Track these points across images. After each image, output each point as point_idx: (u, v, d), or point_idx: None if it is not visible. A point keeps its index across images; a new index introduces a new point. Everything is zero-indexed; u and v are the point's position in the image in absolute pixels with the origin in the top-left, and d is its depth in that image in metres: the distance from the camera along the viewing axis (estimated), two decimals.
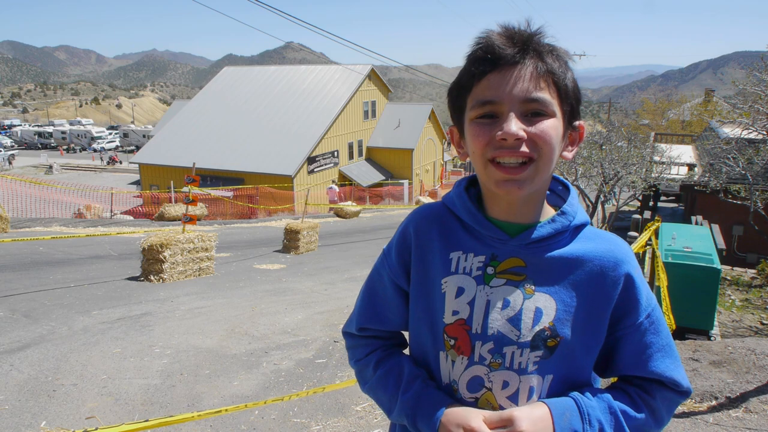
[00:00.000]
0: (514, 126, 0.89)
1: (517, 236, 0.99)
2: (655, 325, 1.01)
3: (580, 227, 1.02)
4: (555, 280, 0.98)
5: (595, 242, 1.01)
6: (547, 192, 1.06)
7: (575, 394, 0.98)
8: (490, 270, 0.99)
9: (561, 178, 1.09)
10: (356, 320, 1.15)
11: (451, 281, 1.01)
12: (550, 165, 0.94)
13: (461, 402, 1.00)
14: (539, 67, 0.91)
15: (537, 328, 0.96)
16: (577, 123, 0.99)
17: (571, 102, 0.95)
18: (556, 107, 0.92)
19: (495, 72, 0.91)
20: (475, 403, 0.99)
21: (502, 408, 0.98)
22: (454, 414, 0.96)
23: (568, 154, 1.00)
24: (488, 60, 0.91)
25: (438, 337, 1.03)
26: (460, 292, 1.00)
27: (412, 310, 1.08)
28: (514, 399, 0.98)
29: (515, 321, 0.96)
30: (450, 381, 1.02)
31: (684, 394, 1.03)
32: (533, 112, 0.91)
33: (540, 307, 0.96)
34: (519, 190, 0.92)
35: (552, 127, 0.91)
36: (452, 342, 1.01)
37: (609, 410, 0.97)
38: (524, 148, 0.90)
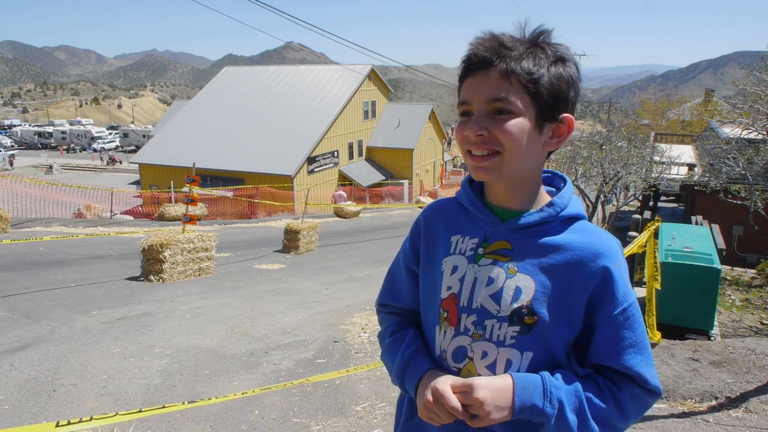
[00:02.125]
0: (474, 126, 1.02)
1: (507, 221, 1.09)
2: (630, 321, 1.06)
3: (573, 219, 1.10)
4: (537, 263, 1.06)
5: (582, 234, 1.08)
6: (552, 189, 1.16)
7: (544, 372, 1.03)
8: (480, 251, 1.10)
9: (564, 176, 1.18)
10: (378, 297, 1.34)
11: (449, 261, 1.13)
12: (519, 157, 1.03)
13: (447, 371, 1.09)
14: (506, 70, 1.00)
15: (515, 305, 1.04)
16: (562, 116, 1.05)
17: (547, 99, 1.02)
18: (521, 106, 1.01)
19: (470, 76, 1.04)
20: (458, 373, 1.08)
21: None
22: (429, 377, 1.07)
23: (553, 146, 1.08)
24: (466, 66, 1.05)
25: (437, 311, 1.14)
26: (454, 270, 1.12)
27: (420, 288, 1.21)
28: (492, 369, 1.05)
29: (496, 297, 1.06)
30: (441, 351, 1.12)
31: (652, 393, 1.07)
32: (498, 111, 1.01)
33: (520, 286, 1.05)
34: (486, 176, 1.05)
35: (515, 124, 1.01)
36: (445, 315, 1.12)
37: (575, 394, 1.02)
38: (488, 143, 1.02)
